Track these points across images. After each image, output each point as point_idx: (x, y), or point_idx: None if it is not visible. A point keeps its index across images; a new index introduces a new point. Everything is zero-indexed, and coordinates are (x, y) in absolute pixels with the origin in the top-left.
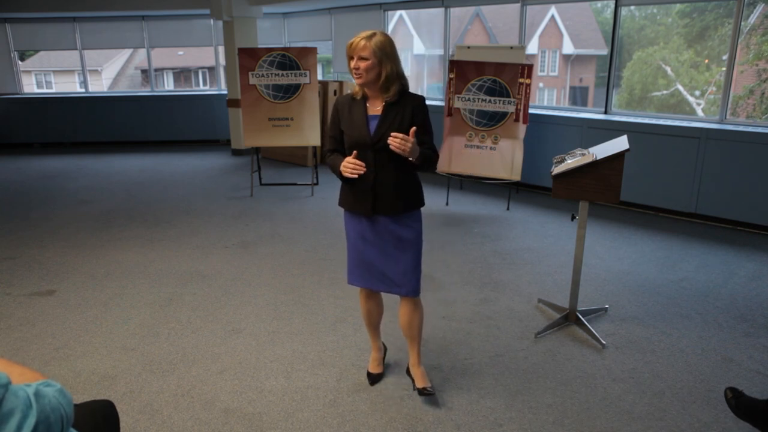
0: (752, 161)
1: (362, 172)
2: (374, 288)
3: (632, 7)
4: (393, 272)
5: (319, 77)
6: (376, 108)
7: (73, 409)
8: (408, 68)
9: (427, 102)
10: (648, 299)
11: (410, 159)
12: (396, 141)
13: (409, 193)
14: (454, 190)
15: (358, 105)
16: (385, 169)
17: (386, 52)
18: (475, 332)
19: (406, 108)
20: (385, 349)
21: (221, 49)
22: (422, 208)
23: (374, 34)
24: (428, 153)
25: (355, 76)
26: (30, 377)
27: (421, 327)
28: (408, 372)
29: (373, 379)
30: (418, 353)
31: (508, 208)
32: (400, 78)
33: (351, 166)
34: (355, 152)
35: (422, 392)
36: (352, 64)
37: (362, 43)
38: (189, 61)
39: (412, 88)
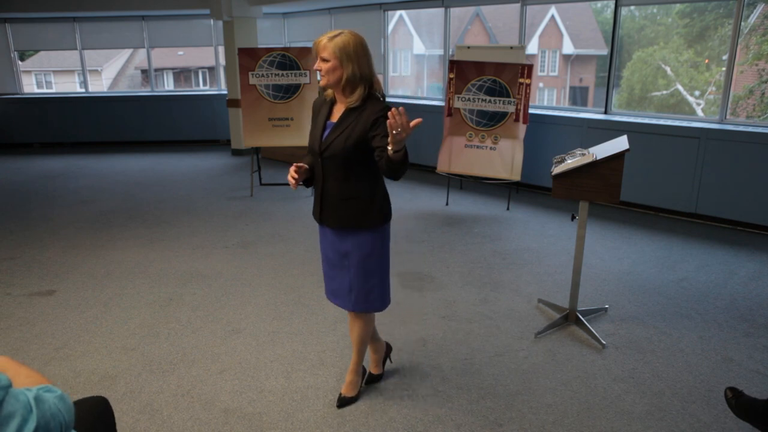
0: (752, 161)
1: (292, 182)
2: (329, 299)
3: (632, 7)
4: (342, 285)
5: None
6: (338, 114)
7: (73, 417)
8: (408, 68)
9: (428, 102)
10: (648, 299)
11: (391, 150)
12: (397, 118)
13: (357, 209)
14: (454, 190)
15: (325, 109)
16: (331, 180)
17: (348, 53)
18: (475, 332)
19: (363, 115)
20: (390, 350)
21: (221, 49)
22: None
23: (339, 34)
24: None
25: (320, 76)
26: (36, 380)
27: (366, 339)
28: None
29: (370, 379)
30: (354, 362)
31: (508, 208)
32: (365, 81)
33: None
34: (294, 165)
35: (339, 397)
36: (316, 66)
37: (324, 41)
38: (189, 61)
39: (412, 89)
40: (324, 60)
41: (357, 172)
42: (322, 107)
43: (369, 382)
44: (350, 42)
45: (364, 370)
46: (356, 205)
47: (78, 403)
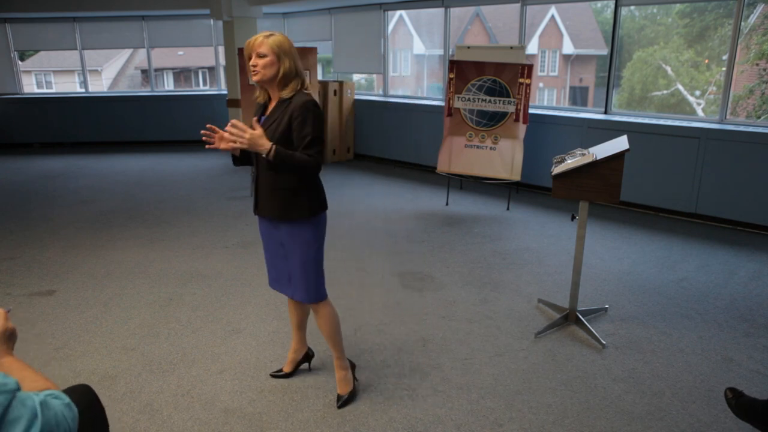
0: (752, 161)
1: (208, 137)
2: (272, 286)
3: (632, 7)
4: (281, 274)
5: (319, 77)
6: (270, 109)
7: (77, 425)
8: (408, 68)
9: (428, 102)
10: (648, 299)
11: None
12: (230, 130)
13: (289, 200)
14: (454, 190)
15: (260, 109)
16: (264, 172)
17: (284, 50)
18: (475, 332)
19: (289, 108)
20: (309, 358)
21: (221, 49)
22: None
23: (273, 34)
24: (287, 153)
25: (252, 74)
26: (42, 385)
27: (333, 333)
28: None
29: (276, 375)
30: (335, 357)
31: (508, 208)
32: (300, 77)
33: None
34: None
35: (338, 397)
36: (251, 62)
37: (260, 39)
38: (189, 61)
39: (412, 89)
40: (260, 56)
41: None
42: (258, 108)
43: (275, 375)
44: (285, 40)
45: (352, 363)
46: (284, 195)
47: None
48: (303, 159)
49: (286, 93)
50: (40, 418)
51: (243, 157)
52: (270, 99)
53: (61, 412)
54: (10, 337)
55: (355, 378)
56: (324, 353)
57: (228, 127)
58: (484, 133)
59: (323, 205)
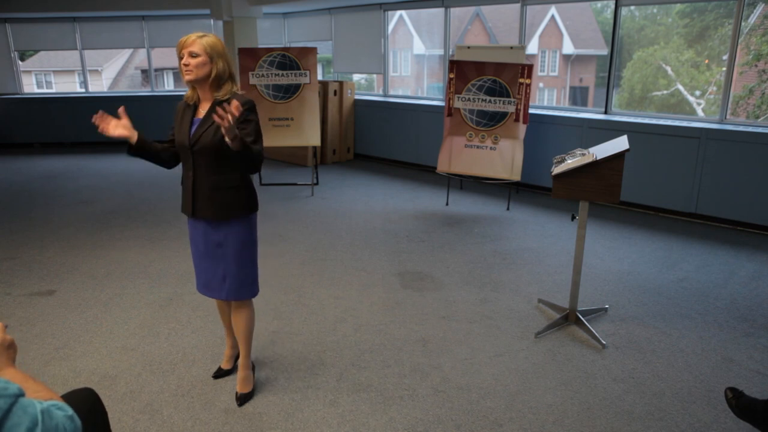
0: (752, 161)
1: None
2: (200, 291)
3: (632, 7)
4: (213, 277)
5: (319, 77)
6: (203, 111)
7: None
8: (408, 68)
9: (428, 102)
10: (648, 299)
11: (228, 140)
12: (221, 112)
13: (229, 199)
14: (454, 190)
15: (190, 109)
16: (202, 172)
17: (217, 51)
18: (475, 332)
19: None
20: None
21: None
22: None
23: (206, 35)
24: (249, 142)
25: (184, 72)
26: (44, 395)
27: (249, 333)
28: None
29: (218, 373)
30: (243, 356)
31: (508, 208)
32: (232, 78)
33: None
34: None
35: (236, 397)
36: (183, 61)
37: (192, 38)
38: None
39: (412, 89)
40: (193, 55)
41: (226, 163)
42: (185, 110)
43: (217, 376)
44: (218, 42)
45: (253, 364)
46: (227, 195)
47: (67, 397)
48: (257, 149)
49: (221, 95)
50: (40, 426)
51: (139, 147)
52: (200, 100)
53: (62, 424)
54: (9, 348)
55: (254, 378)
56: (322, 353)
57: (219, 110)
58: (484, 133)
59: (256, 205)
